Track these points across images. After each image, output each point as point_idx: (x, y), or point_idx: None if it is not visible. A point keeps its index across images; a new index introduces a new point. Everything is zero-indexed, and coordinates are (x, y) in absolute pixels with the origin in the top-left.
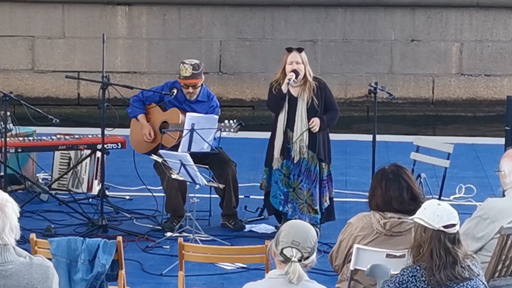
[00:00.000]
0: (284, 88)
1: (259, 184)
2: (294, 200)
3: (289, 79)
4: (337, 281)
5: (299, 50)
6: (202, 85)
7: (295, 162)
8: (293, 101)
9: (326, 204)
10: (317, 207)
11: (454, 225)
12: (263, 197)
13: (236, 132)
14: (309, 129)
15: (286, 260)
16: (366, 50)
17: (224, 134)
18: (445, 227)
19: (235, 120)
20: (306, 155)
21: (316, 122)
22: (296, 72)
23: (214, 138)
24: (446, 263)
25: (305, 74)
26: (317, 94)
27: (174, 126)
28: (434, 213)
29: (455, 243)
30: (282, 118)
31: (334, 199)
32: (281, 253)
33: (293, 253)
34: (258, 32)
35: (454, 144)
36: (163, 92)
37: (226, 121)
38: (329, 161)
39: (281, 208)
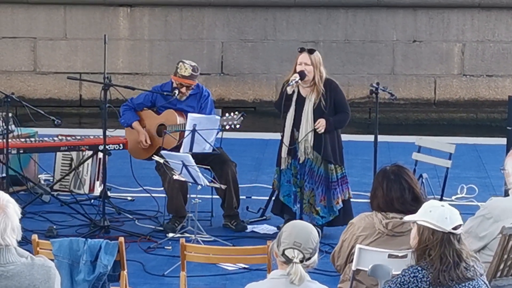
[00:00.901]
0: (288, 89)
1: (262, 185)
2: (301, 200)
3: (292, 80)
4: (339, 281)
5: (310, 51)
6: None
7: (300, 162)
8: (301, 101)
9: (338, 206)
10: (319, 208)
11: (461, 225)
12: (265, 197)
13: (240, 124)
14: (314, 130)
15: (288, 261)
16: (368, 51)
17: (227, 127)
18: (454, 228)
19: (237, 112)
20: (311, 155)
21: (321, 123)
22: (301, 73)
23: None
24: (453, 263)
25: (314, 76)
26: (325, 96)
27: (172, 128)
28: (442, 215)
29: (460, 242)
30: (289, 118)
31: None
32: (283, 254)
33: (294, 254)
34: (260, 33)
35: (456, 144)
36: (165, 93)
37: (228, 114)
38: (341, 163)
39: (293, 208)
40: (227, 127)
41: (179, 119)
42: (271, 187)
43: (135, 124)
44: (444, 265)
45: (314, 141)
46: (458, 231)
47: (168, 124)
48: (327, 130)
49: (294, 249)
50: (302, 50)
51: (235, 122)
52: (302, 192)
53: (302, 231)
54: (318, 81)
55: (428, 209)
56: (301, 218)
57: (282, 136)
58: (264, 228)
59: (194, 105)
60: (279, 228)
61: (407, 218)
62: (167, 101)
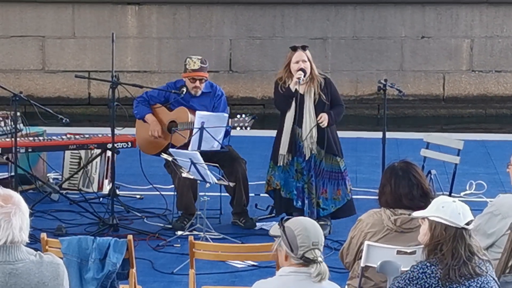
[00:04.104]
0: (292, 87)
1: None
2: (309, 195)
3: (298, 78)
4: (348, 278)
5: (303, 48)
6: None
7: (306, 159)
8: (301, 98)
9: (350, 195)
10: (320, 200)
11: (472, 220)
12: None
13: (250, 126)
14: (318, 125)
15: (310, 262)
16: (377, 47)
17: (237, 129)
18: (466, 224)
19: (248, 114)
20: (315, 151)
21: (324, 117)
22: (303, 71)
23: (225, 136)
24: (465, 259)
25: (311, 71)
26: (324, 90)
27: (183, 125)
28: (455, 211)
29: (471, 237)
30: (290, 116)
31: None
32: (303, 257)
33: (316, 254)
34: (268, 30)
35: (464, 141)
36: (173, 91)
37: (239, 116)
38: (342, 156)
39: (295, 203)
40: (238, 128)
41: (191, 117)
42: (265, 188)
43: (148, 116)
44: (455, 261)
45: (317, 136)
46: (469, 227)
47: (179, 121)
48: (329, 124)
49: (314, 249)
50: (295, 48)
51: (246, 124)
52: (309, 187)
53: (313, 228)
54: (315, 75)
55: (440, 205)
56: (308, 213)
57: (280, 134)
58: (273, 225)
59: (207, 104)
60: None
61: (418, 214)
62: (179, 97)
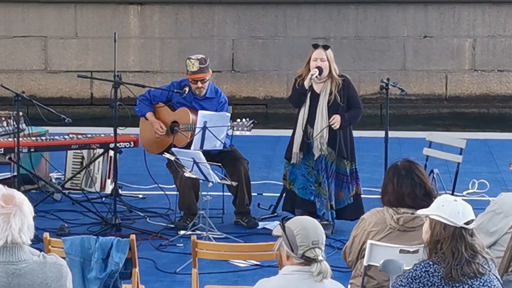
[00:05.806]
0: (306, 84)
1: (273, 182)
2: (320, 195)
3: (312, 75)
4: (351, 276)
5: (325, 47)
6: (209, 80)
7: (315, 158)
8: (315, 98)
9: (352, 200)
10: (333, 203)
11: (473, 220)
12: (276, 194)
13: (250, 130)
14: (329, 126)
15: (310, 260)
16: (379, 46)
17: (237, 133)
18: (466, 223)
19: (248, 119)
20: (326, 151)
21: (336, 119)
22: (320, 68)
23: (227, 136)
24: (467, 258)
25: (330, 71)
26: (341, 92)
27: (185, 126)
28: (454, 210)
29: (472, 236)
30: (303, 114)
31: None
32: (303, 256)
33: (316, 253)
34: (270, 30)
35: (467, 140)
36: (175, 91)
37: (239, 120)
38: (353, 159)
39: (312, 198)
40: (237, 132)
41: (192, 118)
42: (282, 183)
43: (149, 115)
44: (456, 260)
45: (328, 137)
46: (470, 226)
47: (181, 122)
48: (342, 126)
49: (314, 248)
50: (316, 46)
51: (245, 129)
52: (322, 188)
53: (313, 228)
54: (334, 75)
55: (441, 204)
56: (317, 213)
57: (294, 132)
58: (276, 225)
59: (209, 108)
60: None
61: (420, 212)
62: (181, 97)
